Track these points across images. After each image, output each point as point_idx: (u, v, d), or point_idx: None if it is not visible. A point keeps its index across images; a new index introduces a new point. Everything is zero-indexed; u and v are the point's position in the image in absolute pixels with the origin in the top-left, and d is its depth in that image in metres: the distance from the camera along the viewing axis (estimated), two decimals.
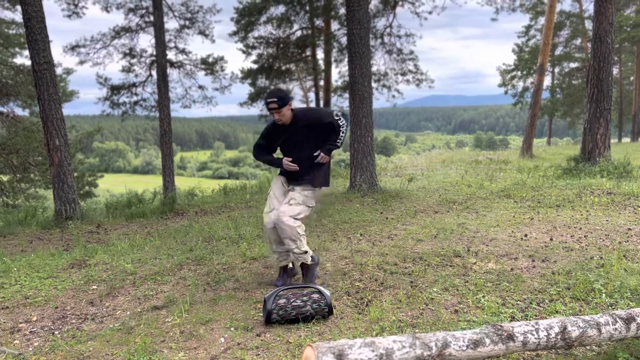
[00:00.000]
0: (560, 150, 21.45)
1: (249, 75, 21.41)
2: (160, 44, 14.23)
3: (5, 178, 16.77)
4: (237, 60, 22.82)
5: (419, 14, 19.83)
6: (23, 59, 19.52)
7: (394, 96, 22.18)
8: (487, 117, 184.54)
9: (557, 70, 34.13)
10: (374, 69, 20.46)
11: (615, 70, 31.21)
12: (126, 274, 4.92)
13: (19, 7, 14.36)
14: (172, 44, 17.64)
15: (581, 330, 2.66)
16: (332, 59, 21.47)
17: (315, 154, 4.19)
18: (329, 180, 4.44)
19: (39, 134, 14.65)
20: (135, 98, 17.99)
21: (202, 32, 18.04)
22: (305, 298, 3.63)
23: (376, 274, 4.55)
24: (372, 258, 5.03)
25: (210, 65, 18.68)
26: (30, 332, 3.69)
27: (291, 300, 3.60)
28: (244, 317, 3.74)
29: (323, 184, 4.34)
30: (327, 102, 22.20)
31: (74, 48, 17.15)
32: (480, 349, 2.44)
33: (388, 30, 20.29)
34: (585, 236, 5.62)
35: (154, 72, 16.91)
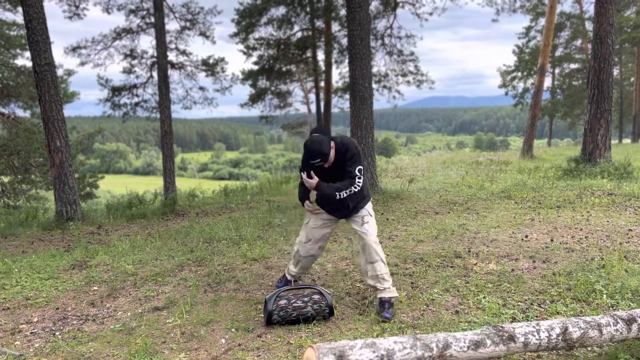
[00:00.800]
0: (561, 151, 21.44)
1: (249, 76, 21.40)
2: (161, 45, 14.24)
3: (6, 179, 16.78)
4: (237, 61, 22.84)
5: (420, 15, 19.82)
6: (24, 60, 19.55)
7: (394, 97, 22.17)
8: (488, 118, 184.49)
9: (557, 71, 34.10)
10: (374, 70, 20.46)
11: (615, 71, 31.21)
12: (127, 275, 4.92)
13: (20, 9, 14.37)
14: (173, 45, 17.65)
15: (582, 331, 2.66)
16: (333, 60, 21.45)
17: (305, 176, 3.74)
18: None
19: (40, 135, 14.66)
20: (136, 99, 17.99)
21: (202, 34, 18.04)
22: (306, 299, 3.63)
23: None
24: None
25: (211, 67, 18.69)
26: (31, 333, 3.69)
27: (292, 301, 3.60)
28: (244, 318, 3.74)
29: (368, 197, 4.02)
30: (328, 103, 22.20)
31: (75, 49, 17.16)
32: (481, 349, 2.44)
33: (388, 31, 20.28)
34: (586, 237, 5.62)
35: (154, 74, 16.92)
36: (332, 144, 3.74)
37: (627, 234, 5.68)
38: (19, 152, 15.21)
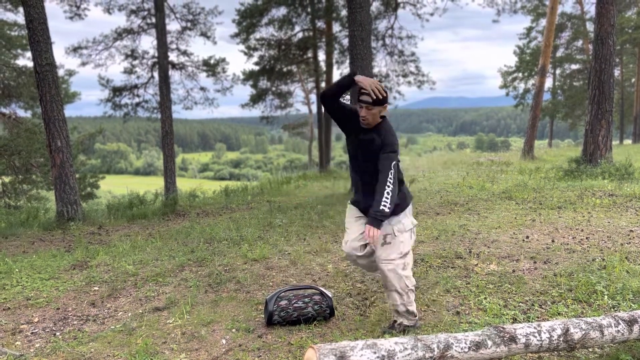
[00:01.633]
0: (562, 151, 21.43)
1: (250, 76, 21.43)
2: (162, 46, 14.24)
3: (7, 179, 16.79)
4: (238, 61, 22.86)
5: (421, 15, 19.84)
6: (25, 61, 19.56)
7: (395, 98, 22.18)
8: (489, 119, 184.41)
9: (558, 72, 34.10)
10: (375, 70, 20.44)
11: (616, 72, 31.18)
12: (127, 275, 4.92)
13: (21, 9, 14.38)
14: (173, 46, 17.67)
15: (584, 332, 2.66)
16: (334, 61, 21.46)
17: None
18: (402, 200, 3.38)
19: (40, 135, 14.67)
20: (137, 99, 18.02)
21: (203, 34, 18.06)
22: (306, 299, 3.63)
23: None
24: None
25: (212, 67, 18.70)
26: (32, 333, 3.69)
27: (293, 302, 3.59)
28: (245, 319, 3.74)
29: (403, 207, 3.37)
30: None
31: (76, 50, 17.18)
32: (482, 350, 2.44)
33: (389, 31, 20.30)
34: (587, 238, 5.61)
35: (155, 74, 16.92)
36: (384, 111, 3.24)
37: (628, 235, 5.67)
38: (20, 152, 15.22)
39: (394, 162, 3.13)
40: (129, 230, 7.63)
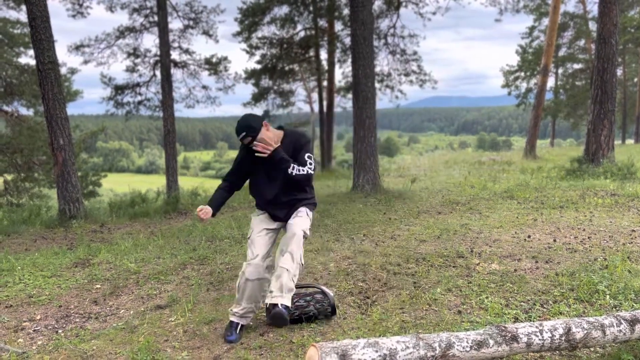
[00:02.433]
0: (564, 151, 21.41)
1: (252, 75, 21.42)
2: (164, 44, 14.26)
3: (9, 177, 16.82)
4: (240, 60, 22.88)
5: (423, 14, 19.80)
6: (28, 59, 19.58)
7: (397, 97, 22.18)
8: (490, 118, 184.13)
9: (560, 71, 34.03)
10: (377, 69, 20.44)
11: (619, 72, 31.12)
12: (130, 273, 4.93)
13: (23, 7, 14.41)
14: (176, 44, 17.66)
15: (585, 331, 2.66)
16: (336, 60, 21.47)
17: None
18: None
19: (43, 133, 14.70)
20: (139, 98, 18.02)
21: (206, 32, 18.05)
22: (308, 298, 3.63)
23: (379, 275, 4.55)
24: (375, 258, 5.03)
25: (214, 65, 18.70)
26: (34, 330, 3.70)
27: (294, 300, 3.59)
28: None
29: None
30: (331, 103, 22.19)
31: (78, 48, 17.19)
32: (484, 350, 2.44)
33: (392, 30, 20.27)
34: (588, 237, 5.61)
35: (157, 72, 16.93)
36: (267, 125, 3.45)
37: (630, 235, 5.67)
38: (22, 150, 15.25)
39: (308, 154, 3.52)
40: (131, 229, 7.64)
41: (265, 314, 3.73)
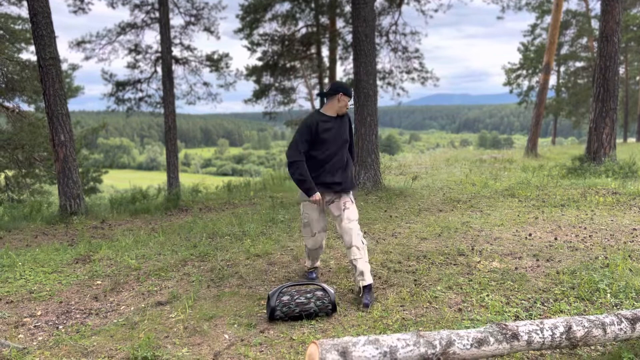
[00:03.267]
0: (565, 149, 21.37)
1: (253, 72, 21.40)
2: (166, 41, 14.24)
3: (10, 173, 16.81)
4: (242, 57, 22.82)
5: (425, 12, 19.78)
6: (29, 55, 19.62)
7: (398, 94, 22.14)
8: (492, 116, 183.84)
9: (562, 69, 33.93)
10: (379, 66, 20.42)
11: (621, 70, 31.01)
12: (130, 270, 4.93)
13: (25, 3, 14.38)
14: (177, 41, 17.65)
15: (586, 330, 2.65)
16: (337, 57, 21.43)
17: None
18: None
19: (44, 129, 14.68)
20: (140, 94, 18.01)
21: (207, 29, 18.03)
22: (309, 295, 3.63)
23: (380, 272, 4.55)
24: (376, 256, 5.02)
25: (215, 62, 18.68)
26: (35, 326, 3.70)
27: (295, 297, 3.60)
28: (247, 314, 3.74)
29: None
30: None
31: (79, 44, 17.18)
32: (484, 347, 2.43)
33: (393, 28, 20.24)
34: (590, 236, 5.60)
35: (159, 69, 16.93)
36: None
37: (632, 233, 5.66)
38: (23, 146, 15.23)
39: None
40: (131, 225, 7.64)
41: (265, 311, 3.73)
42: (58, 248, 5.96)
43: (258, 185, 11.75)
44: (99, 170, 21.77)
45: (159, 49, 15.48)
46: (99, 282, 4.62)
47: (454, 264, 4.72)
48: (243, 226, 6.77)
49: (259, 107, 23.14)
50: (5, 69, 15.74)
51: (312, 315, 3.60)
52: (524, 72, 32.94)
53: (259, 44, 21.02)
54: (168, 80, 14.31)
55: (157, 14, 15.37)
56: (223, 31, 18.80)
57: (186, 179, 18.00)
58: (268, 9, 19.79)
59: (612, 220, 6.32)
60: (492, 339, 2.46)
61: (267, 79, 22.17)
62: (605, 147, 10.68)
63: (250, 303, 3.95)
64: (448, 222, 6.50)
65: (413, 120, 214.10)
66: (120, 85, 17.75)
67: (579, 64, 32.86)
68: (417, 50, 21.22)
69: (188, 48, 18.08)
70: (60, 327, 3.67)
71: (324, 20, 20.77)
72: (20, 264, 5.20)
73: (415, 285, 4.20)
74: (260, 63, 21.39)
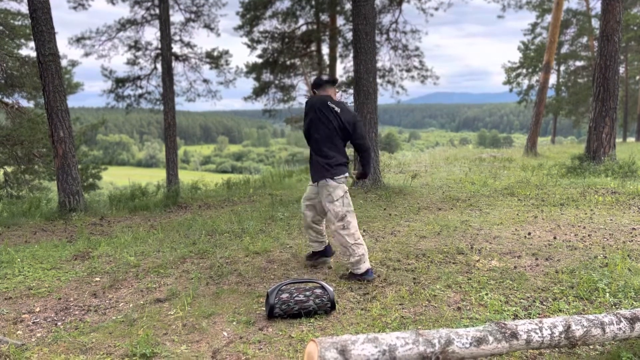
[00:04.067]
0: (565, 148, 21.36)
1: (253, 69, 21.36)
2: (166, 37, 14.23)
3: (9, 169, 16.79)
4: (242, 54, 22.80)
5: (425, 10, 19.74)
6: (28, 51, 19.55)
7: (398, 92, 22.12)
8: (492, 115, 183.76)
9: (562, 68, 33.92)
10: (379, 64, 20.40)
11: (621, 70, 30.99)
12: (129, 267, 4.93)
13: None
14: (177, 37, 17.62)
15: (585, 329, 2.65)
16: (337, 54, 21.40)
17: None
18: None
19: (43, 125, 14.66)
20: (140, 91, 17.99)
21: (207, 26, 18.00)
22: (308, 293, 3.63)
23: (379, 270, 4.55)
24: (375, 254, 5.02)
25: (215, 59, 18.66)
26: (33, 322, 3.70)
27: (294, 295, 3.59)
28: (246, 311, 3.74)
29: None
30: None
31: (79, 40, 17.14)
32: (483, 346, 2.43)
33: (394, 26, 20.21)
34: (589, 235, 5.60)
35: (159, 65, 16.90)
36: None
37: (631, 233, 5.66)
38: (23, 142, 15.21)
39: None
40: (130, 222, 7.63)
41: (264, 308, 3.73)
42: (57, 244, 5.96)
43: (257, 183, 11.75)
44: (98, 167, 21.74)
45: (159, 46, 15.47)
46: (97, 279, 4.62)
47: (453, 263, 4.72)
48: (242, 224, 6.76)
49: (259, 105, 23.13)
50: (4, 64, 15.71)
51: (311, 313, 3.60)
52: (524, 71, 32.93)
53: (259, 41, 20.99)
54: (168, 77, 14.29)
55: (157, 11, 15.35)
56: (223, 28, 18.78)
57: (185, 176, 17.97)
58: (268, 6, 19.76)
59: (611, 220, 6.32)
60: (491, 338, 2.46)
61: (267, 76, 22.14)
62: (605, 146, 10.68)
63: (249, 300, 3.95)
64: (447, 220, 6.50)
65: (413, 118, 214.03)
66: (120, 82, 17.73)
67: (579, 63, 32.86)
68: (417, 49, 21.20)
69: (188, 45, 18.06)
70: (59, 323, 3.67)
71: (324, 17, 20.74)
72: (19, 260, 5.19)
73: (414, 283, 4.21)
74: (260, 60, 21.36)
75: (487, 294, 3.92)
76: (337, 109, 4.23)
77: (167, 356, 3.09)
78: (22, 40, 18.16)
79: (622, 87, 31.53)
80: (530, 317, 3.51)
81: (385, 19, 20.28)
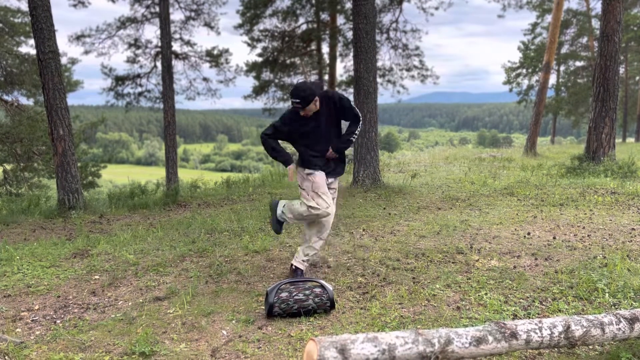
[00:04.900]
0: (564, 149, 21.38)
1: (253, 68, 21.36)
2: (166, 35, 14.22)
3: (9, 167, 16.79)
4: (242, 53, 22.79)
5: (425, 9, 19.75)
6: (28, 48, 19.56)
7: (398, 92, 22.12)
8: (491, 115, 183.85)
9: (562, 68, 33.92)
10: (379, 64, 20.38)
11: (621, 70, 30.98)
12: (128, 265, 4.92)
13: None
14: (177, 36, 17.62)
15: (585, 329, 2.65)
16: (337, 54, 21.40)
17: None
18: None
19: (43, 123, 14.65)
20: (139, 89, 18.00)
21: (207, 24, 18.01)
22: (307, 292, 3.62)
23: (378, 270, 4.55)
24: (374, 253, 5.02)
25: (215, 58, 18.67)
26: (32, 320, 3.69)
27: (293, 294, 3.59)
28: (245, 310, 3.74)
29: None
30: None
31: (79, 38, 17.14)
32: (483, 346, 2.43)
33: (394, 25, 20.21)
34: (588, 235, 5.60)
35: (158, 64, 16.89)
36: (317, 98, 4.09)
37: (630, 233, 5.66)
38: (22, 140, 15.20)
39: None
40: (130, 220, 7.63)
41: (263, 307, 3.73)
42: (56, 242, 5.95)
43: (257, 182, 11.73)
44: (98, 165, 21.73)
45: (159, 44, 15.46)
46: (97, 277, 4.62)
47: (453, 262, 4.72)
48: (242, 222, 6.76)
49: (259, 104, 23.11)
50: (4, 62, 15.69)
51: (310, 312, 3.60)
52: (524, 70, 32.93)
53: (259, 40, 20.98)
54: (168, 75, 14.28)
55: (157, 9, 15.34)
56: (223, 27, 18.79)
57: (185, 175, 17.97)
58: (268, 4, 19.75)
59: (610, 220, 6.32)
60: (490, 338, 2.45)
61: (266, 75, 22.14)
62: (605, 146, 10.68)
63: (248, 299, 3.95)
64: (447, 220, 6.50)
65: (412, 118, 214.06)
66: (120, 80, 17.72)
67: (579, 63, 32.86)
68: (417, 48, 21.21)
69: (188, 43, 18.07)
70: (58, 321, 3.67)
71: (324, 16, 20.73)
72: (18, 257, 5.19)
73: (413, 283, 4.20)
74: (260, 59, 21.35)
75: (486, 294, 3.92)
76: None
77: (166, 355, 3.08)
78: (22, 38, 18.15)
79: (622, 87, 31.53)
80: (529, 317, 3.51)
81: (386, 18, 20.26)
